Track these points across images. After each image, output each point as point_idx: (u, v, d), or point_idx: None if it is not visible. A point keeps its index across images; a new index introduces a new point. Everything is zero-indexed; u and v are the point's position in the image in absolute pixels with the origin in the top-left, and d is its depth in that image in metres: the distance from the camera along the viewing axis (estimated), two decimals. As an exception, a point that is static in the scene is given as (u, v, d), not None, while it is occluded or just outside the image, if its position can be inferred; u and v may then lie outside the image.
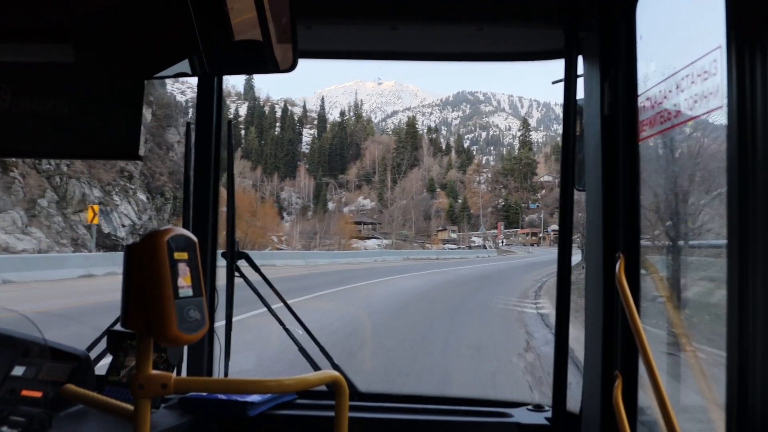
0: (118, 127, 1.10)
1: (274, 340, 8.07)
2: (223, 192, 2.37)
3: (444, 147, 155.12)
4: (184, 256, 1.23)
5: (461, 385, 7.27)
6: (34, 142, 1.12)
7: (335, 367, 2.27)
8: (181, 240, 1.23)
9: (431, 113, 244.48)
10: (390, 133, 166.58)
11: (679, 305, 2.05)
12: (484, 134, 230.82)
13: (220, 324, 2.32)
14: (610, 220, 1.84)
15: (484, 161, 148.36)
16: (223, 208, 2.36)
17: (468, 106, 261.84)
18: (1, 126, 1.08)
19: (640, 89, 1.80)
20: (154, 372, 1.26)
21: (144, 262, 1.19)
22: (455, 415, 2.12)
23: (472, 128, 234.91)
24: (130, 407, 1.29)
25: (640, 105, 1.80)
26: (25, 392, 1.71)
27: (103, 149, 1.16)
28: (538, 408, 2.17)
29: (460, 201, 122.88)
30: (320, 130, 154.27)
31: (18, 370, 1.78)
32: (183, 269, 1.22)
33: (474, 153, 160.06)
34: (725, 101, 1.22)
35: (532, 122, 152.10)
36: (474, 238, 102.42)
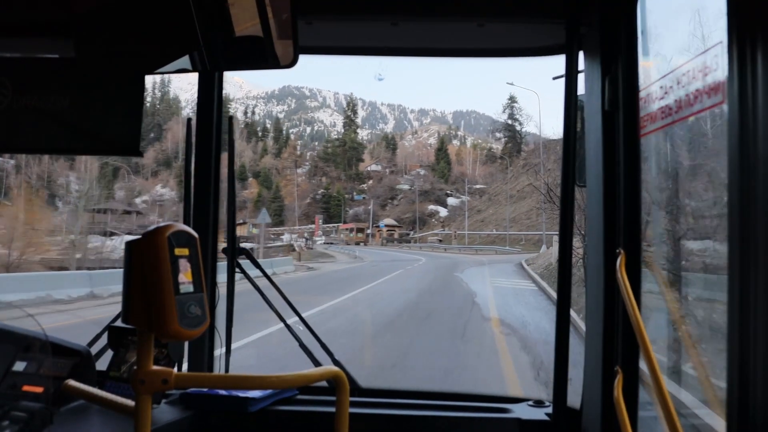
0: (119, 123, 1.10)
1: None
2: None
3: (260, 132, 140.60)
4: (185, 252, 1.23)
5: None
6: (35, 137, 1.12)
7: (336, 362, 2.28)
8: (182, 236, 1.23)
9: (256, 105, 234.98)
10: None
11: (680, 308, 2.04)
12: (309, 129, 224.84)
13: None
14: (610, 216, 1.84)
15: (308, 156, 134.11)
16: None
17: (293, 100, 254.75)
18: (2, 121, 1.08)
19: (641, 85, 1.80)
20: (155, 367, 1.26)
21: (145, 258, 1.19)
22: (456, 411, 2.12)
23: (297, 122, 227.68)
24: (131, 403, 1.30)
25: (641, 101, 1.79)
26: (26, 388, 1.72)
27: (104, 144, 1.16)
28: (538, 403, 2.17)
29: (272, 190, 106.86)
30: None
31: (19, 366, 1.78)
32: (184, 265, 1.22)
33: (293, 138, 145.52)
34: (726, 97, 1.22)
35: (357, 121, 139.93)
36: (285, 235, 77.51)
